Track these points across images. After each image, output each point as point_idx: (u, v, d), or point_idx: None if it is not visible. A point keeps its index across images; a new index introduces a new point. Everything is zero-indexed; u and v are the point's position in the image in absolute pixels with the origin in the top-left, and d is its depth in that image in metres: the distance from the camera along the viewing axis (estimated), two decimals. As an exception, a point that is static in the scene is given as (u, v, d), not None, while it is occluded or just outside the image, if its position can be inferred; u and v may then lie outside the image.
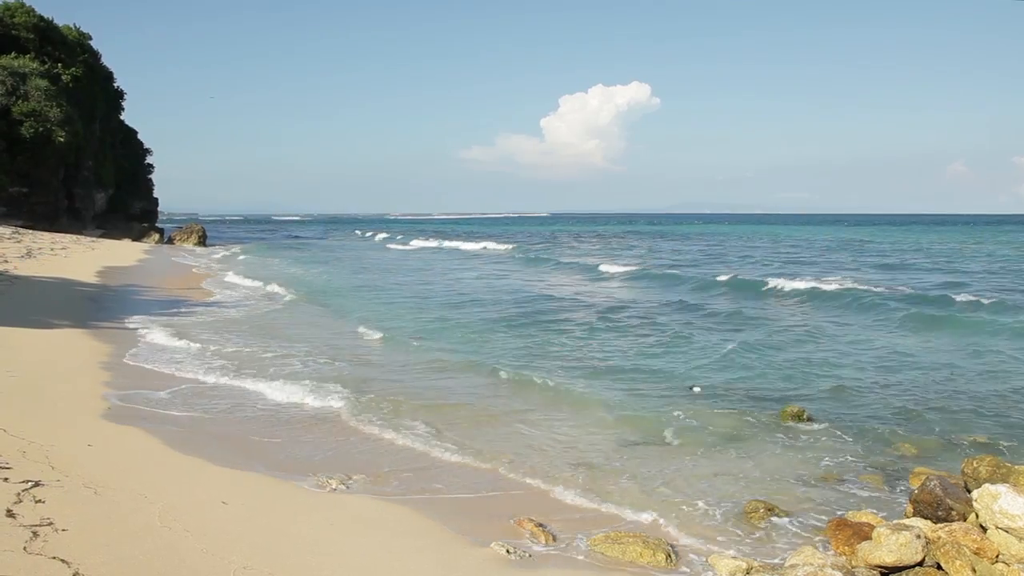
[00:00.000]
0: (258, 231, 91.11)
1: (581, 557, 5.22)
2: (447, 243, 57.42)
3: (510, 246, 50.19)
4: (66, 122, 43.75)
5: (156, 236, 51.44)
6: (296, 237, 73.70)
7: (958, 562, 4.88)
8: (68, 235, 40.91)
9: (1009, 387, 10.54)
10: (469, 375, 11.31)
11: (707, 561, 5.22)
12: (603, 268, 32.27)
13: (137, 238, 49.66)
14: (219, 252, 44.25)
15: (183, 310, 17.51)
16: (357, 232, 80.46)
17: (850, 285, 22.91)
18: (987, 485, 5.22)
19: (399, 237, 68.03)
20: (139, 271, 27.01)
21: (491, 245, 51.93)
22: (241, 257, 40.81)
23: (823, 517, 6.18)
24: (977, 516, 5.23)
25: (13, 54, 44.37)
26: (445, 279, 28.43)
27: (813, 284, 23.18)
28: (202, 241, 51.93)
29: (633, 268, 31.19)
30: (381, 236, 72.49)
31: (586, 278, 29.85)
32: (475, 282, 27.22)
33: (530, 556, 5.10)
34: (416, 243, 59.85)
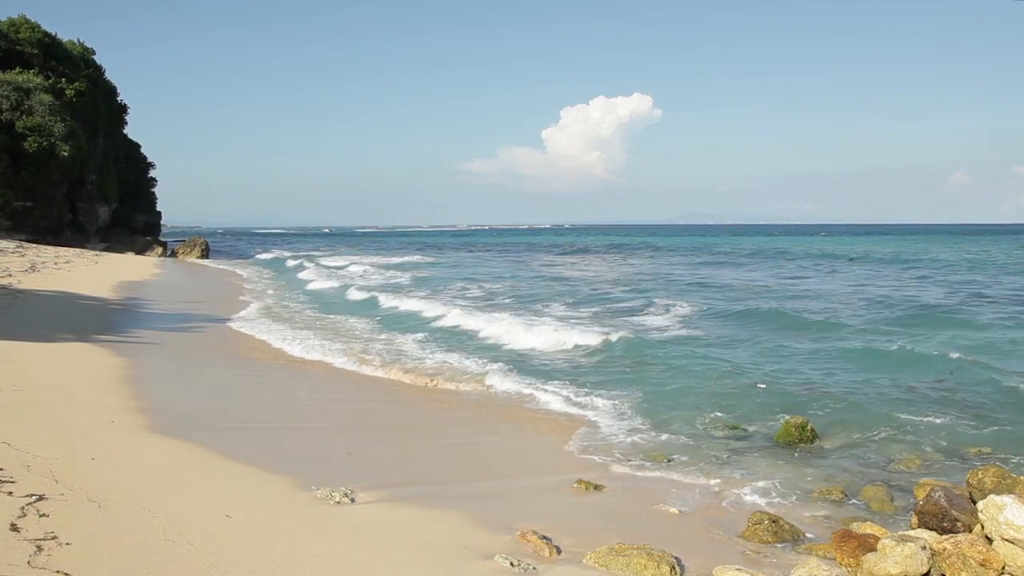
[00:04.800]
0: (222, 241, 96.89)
1: (585, 570, 5.20)
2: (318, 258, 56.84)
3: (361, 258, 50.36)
4: (70, 136, 44.00)
5: (159, 249, 51.60)
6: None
7: (964, 574, 4.87)
8: (72, 248, 41.05)
9: (1015, 397, 10.50)
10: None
11: (711, 574, 5.20)
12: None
13: (140, 251, 49.80)
14: (225, 265, 44.41)
15: (193, 324, 17.55)
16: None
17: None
18: (992, 496, 5.20)
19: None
20: (154, 286, 27.09)
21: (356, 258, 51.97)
22: (248, 268, 41.08)
23: (828, 529, 6.16)
24: (983, 527, 5.21)
25: (17, 69, 44.71)
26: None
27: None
28: (205, 254, 52.09)
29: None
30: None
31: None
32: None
33: (535, 569, 5.08)
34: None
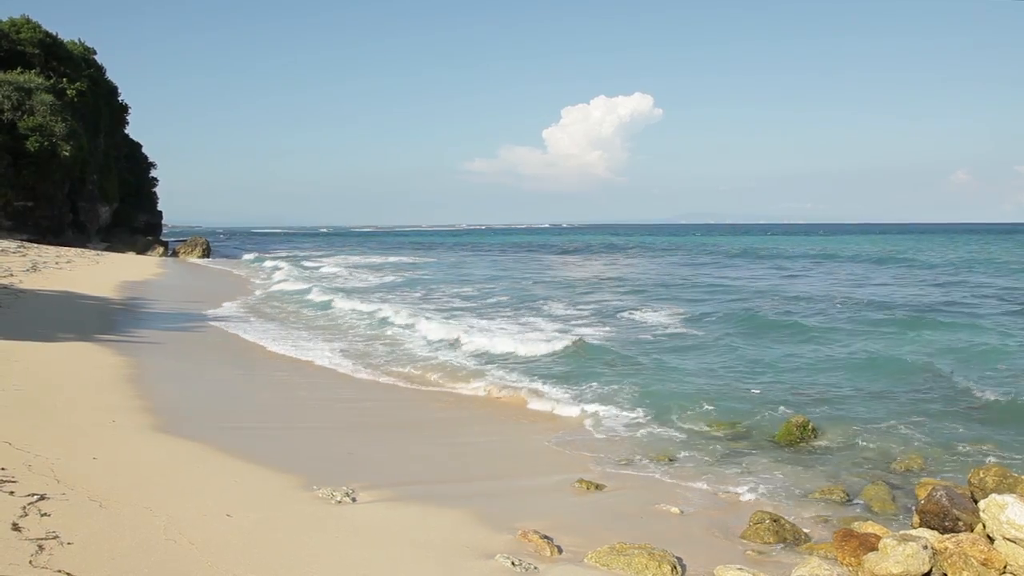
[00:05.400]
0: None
1: (586, 570, 5.20)
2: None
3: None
4: (71, 136, 44.03)
5: (160, 249, 51.64)
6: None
7: (965, 573, 4.87)
8: (73, 248, 41.08)
9: (1016, 396, 10.49)
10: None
11: (712, 573, 5.19)
12: None
13: (141, 251, 49.84)
14: (225, 265, 44.43)
15: (193, 324, 17.56)
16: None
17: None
18: (994, 495, 5.20)
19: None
20: (155, 285, 27.07)
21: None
22: (246, 268, 41.03)
23: (829, 528, 6.16)
24: (984, 526, 5.21)
25: (19, 69, 44.74)
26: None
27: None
28: (206, 254, 52.11)
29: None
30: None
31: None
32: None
33: (536, 568, 5.08)
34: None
